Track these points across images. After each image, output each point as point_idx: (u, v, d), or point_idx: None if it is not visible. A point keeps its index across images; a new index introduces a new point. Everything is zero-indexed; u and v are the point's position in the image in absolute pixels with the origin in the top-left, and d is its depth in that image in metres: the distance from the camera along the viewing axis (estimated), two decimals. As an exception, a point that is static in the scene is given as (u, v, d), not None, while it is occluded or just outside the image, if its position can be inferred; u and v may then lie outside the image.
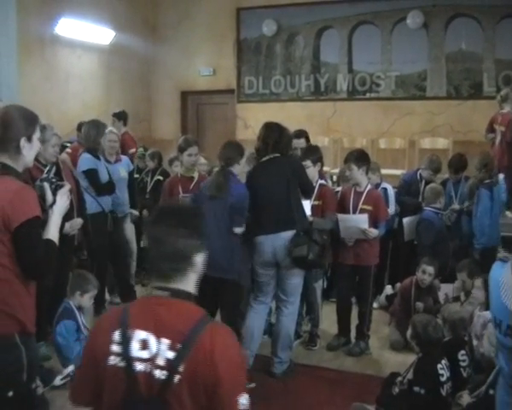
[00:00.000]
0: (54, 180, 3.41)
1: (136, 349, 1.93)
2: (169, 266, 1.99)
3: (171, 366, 1.88)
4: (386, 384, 4.36)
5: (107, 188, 6.04)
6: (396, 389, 4.18)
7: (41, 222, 3.02)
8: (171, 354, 1.89)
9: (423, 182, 6.95)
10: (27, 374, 3.04)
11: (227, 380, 1.88)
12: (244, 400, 1.92)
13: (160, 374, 1.89)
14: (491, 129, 7.92)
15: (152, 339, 1.93)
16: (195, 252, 2.02)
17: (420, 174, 7.07)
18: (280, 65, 11.11)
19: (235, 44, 11.33)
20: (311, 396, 4.71)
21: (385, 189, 6.66)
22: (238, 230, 4.89)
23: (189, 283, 2.05)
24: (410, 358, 4.53)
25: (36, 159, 4.86)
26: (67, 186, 3.36)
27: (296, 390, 4.79)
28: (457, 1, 9.68)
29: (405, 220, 6.69)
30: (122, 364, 1.94)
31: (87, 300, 4.99)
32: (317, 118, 10.57)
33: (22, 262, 2.94)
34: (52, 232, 3.05)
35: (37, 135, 3.06)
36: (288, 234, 4.86)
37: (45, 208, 3.17)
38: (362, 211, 5.40)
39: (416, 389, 4.03)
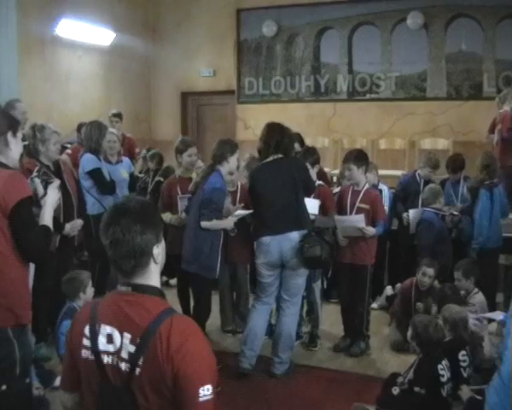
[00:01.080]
0: (44, 177, 3.74)
1: (102, 343, 2.03)
2: (130, 264, 2.04)
3: (132, 359, 1.96)
4: (387, 385, 4.35)
5: (110, 188, 6.04)
6: (396, 390, 4.18)
7: (35, 211, 3.27)
8: (132, 348, 1.97)
9: (422, 182, 6.93)
10: (20, 369, 3.10)
11: (185, 372, 1.92)
12: (206, 390, 1.93)
13: (124, 367, 1.98)
14: (493, 130, 7.93)
15: (116, 334, 2.01)
16: (153, 244, 2.07)
17: (418, 174, 7.05)
18: (280, 66, 11.11)
19: (235, 45, 11.34)
20: (311, 397, 4.70)
21: (380, 190, 6.62)
22: (204, 224, 4.90)
23: (152, 276, 2.10)
24: (411, 358, 4.53)
25: (37, 159, 4.91)
26: (57, 182, 3.61)
27: (296, 391, 4.78)
28: (458, 1, 9.70)
29: (411, 212, 6.68)
30: (92, 357, 2.05)
31: (90, 291, 4.95)
32: (318, 119, 10.59)
33: (20, 243, 3.10)
34: (46, 220, 3.31)
35: (20, 134, 3.30)
36: (295, 234, 4.85)
37: (38, 200, 3.43)
38: (358, 209, 5.38)
39: (417, 389, 4.03)
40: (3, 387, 3.05)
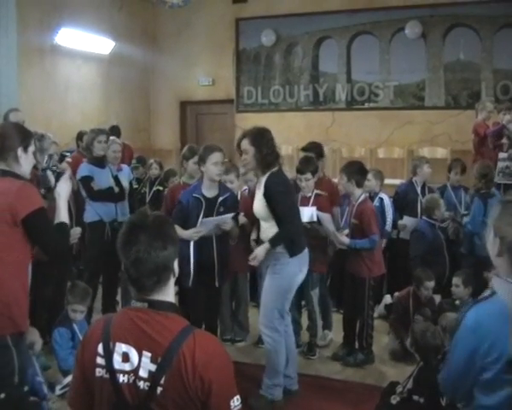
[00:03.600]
0: (54, 168, 3.86)
1: (118, 362, 1.98)
2: (153, 280, 2.00)
3: (153, 378, 1.93)
4: (386, 394, 4.34)
5: (104, 195, 5.98)
6: (396, 399, 4.17)
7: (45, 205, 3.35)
8: (153, 367, 1.93)
9: (420, 188, 6.95)
10: (19, 377, 3.11)
11: (216, 390, 1.93)
12: (235, 401, 1.98)
13: (143, 385, 1.94)
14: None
15: (133, 352, 1.97)
16: (173, 259, 2.06)
17: (415, 181, 7.07)
18: (279, 75, 11.15)
19: (234, 54, 11.38)
20: (310, 406, 4.68)
21: (381, 199, 6.63)
22: None
23: (169, 291, 2.08)
24: (410, 368, 4.52)
25: (35, 167, 4.92)
26: (68, 172, 3.65)
27: (295, 400, 4.75)
28: (455, 11, 9.75)
29: (406, 219, 6.72)
30: (107, 376, 1.99)
31: (70, 311, 4.87)
32: (316, 127, 10.61)
33: (39, 246, 3.28)
34: (63, 215, 3.37)
35: (32, 148, 3.37)
36: None
37: (47, 197, 3.56)
38: (352, 226, 5.35)
39: (416, 398, 4.02)
40: (2, 395, 3.06)
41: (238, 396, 1.99)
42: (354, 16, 10.39)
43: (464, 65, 9.83)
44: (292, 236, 4.49)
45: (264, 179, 4.49)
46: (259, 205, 4.54)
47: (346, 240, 5.28)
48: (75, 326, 4.85)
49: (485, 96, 9.59)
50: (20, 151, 3.25)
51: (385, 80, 10.35)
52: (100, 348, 2.01)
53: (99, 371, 2.01)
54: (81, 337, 4.68)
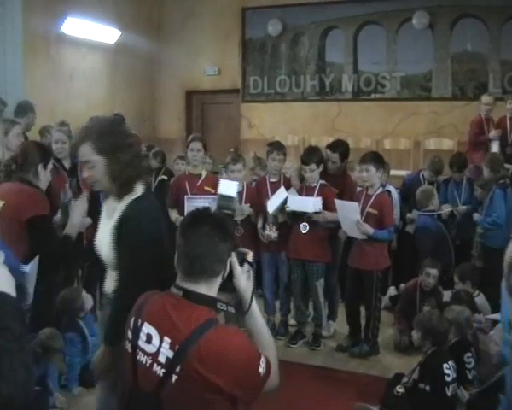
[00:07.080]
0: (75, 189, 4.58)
1: (142, 341, 2.02)
2: (196, 268, 2.02)
3: (169, 365, 1.94)
4: (391, 385, 4.35)
5: None
6: (401, 388, 4.18)
7: (54, 224, 3.80)
8: (170, 354, 1.94)
9: (426, 183, 6.95)
10: None
11: (239, 377, 1.93)
12: (262, 364, 1.99)
13: (159, 371, 1.95)
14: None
15: (156, 336, 1.99)
16: (228, 255, 2.09)
17: (422, 175, 7.08)
18: (285, 65, 11.10)
19: (240, 44, 11.33)
20: (314, 397, 4.70)
21: (389, 192, 6.59)
22: None
23: (213, 286, 2.08)
24: (415, 359, 4.53)
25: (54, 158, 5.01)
26: (85, 195, 3.92)
27: (300, 390, 4.77)
28: (463, 1, 9.67)
29: (414, 212, 6.71)
30: (130, 350, 2.05)
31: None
32: (322, 118, 10.57)
33: (38, 251, 3.39)
34: (72, 229, 3.69)
35: (50, 166, 3.84)
36: None
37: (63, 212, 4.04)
38: (368, 215, 5.33)
39: (421, 385, 4.04)
40: None
41: (262, 359, 1.99)
42: (361, 6, 10.31)
43: (471, 56, 9.75)
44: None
45: (120, 207, 2.84)
46: (108, 243, 2.81)
47: (371, 230, 5.22)
48: (83, 325, 4.72)
49: (493, 87, 9.52)
50: (40, 167, 3.69)
51: (391, 71, 10.28)
52: (131, 323, 2.08)
53: (127, 344, 2.08)
54: (89, 339, 4.64)
